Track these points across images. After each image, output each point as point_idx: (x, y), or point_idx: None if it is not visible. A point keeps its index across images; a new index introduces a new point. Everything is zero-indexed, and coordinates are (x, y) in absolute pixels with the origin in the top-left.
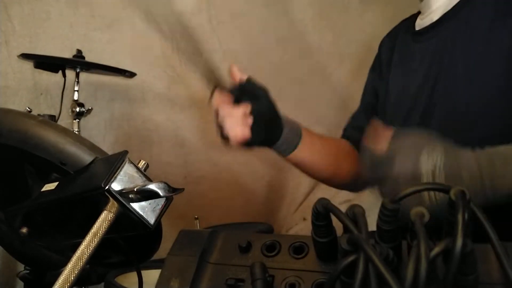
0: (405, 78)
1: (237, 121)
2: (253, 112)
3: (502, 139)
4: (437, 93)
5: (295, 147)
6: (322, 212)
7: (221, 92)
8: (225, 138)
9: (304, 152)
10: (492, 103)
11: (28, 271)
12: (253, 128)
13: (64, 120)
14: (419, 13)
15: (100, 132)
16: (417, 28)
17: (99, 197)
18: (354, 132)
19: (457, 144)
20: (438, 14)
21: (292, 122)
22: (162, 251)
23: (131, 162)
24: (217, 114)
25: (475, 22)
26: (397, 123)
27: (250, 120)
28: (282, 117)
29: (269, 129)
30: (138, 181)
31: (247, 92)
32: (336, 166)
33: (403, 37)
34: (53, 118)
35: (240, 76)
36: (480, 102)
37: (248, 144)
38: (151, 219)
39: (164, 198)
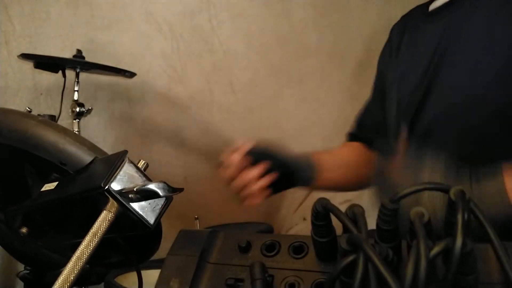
0: (412, 57)
1: (256, 184)
2: (270, 170)
3: (498, 130)
4: (437, 80)
5: (311, 181)
6: (322, 212)
7: (235, 157)
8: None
9: (322, 181)
10: (491, 93)
11: (28, 271)
12: (273, 183)
13: (64, 120)
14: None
15: (100, 132)
16: (430, 9)
17: (98, 197)
18: (367, 132)
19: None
20: None
21: (305, 157)
22: (162, 251)
23: (131, 162)
24: (232, 178)
25: (484, 5)
26: (400, 107)
27: (268, 179)
28: (294, 163)
29: (287, 179)
30: (138, 181)
31: (261, 154)
32: (360, 176)
33: (415, 20)
34: (53, 118)
35: (246, 145)
36: (479, 93)
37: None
38: (151, 219)
39: (164, 198)
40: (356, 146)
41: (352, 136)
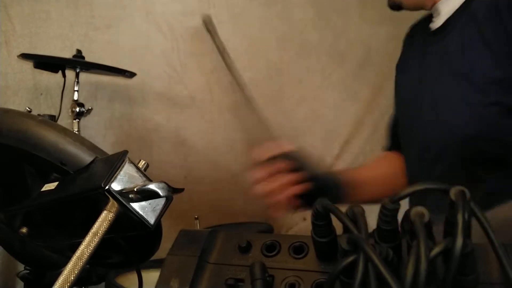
0: (413, 76)
1: (287, 191)
2: (305, 181)
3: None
4: (423, 110)
5: (339, 199)
6: (322, 212)
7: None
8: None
9: (353, 196)
10: (462, 132)
11: (28, 271)
12: (304, 196)
13: (64, 120)
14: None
15: (100, 132)
16: (431, 29)
17: (99, 197)
18: (396, 140)
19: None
20: (441, 21)
21: (333, 176)
22: (162, 251)
23: (131, 162)
24: (261, 179)
25: (461, 33)
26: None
27: (301, 188)
28: (326, 176)
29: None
30: (138, 181)
31: (299, 161)
32: (398, 186)
33: (420, 37)
34: (53, 118)
35: (286, 146)
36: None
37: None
38: (151, 219)
39: (164, 198)
40: (392, 156)
41: (388, 146)
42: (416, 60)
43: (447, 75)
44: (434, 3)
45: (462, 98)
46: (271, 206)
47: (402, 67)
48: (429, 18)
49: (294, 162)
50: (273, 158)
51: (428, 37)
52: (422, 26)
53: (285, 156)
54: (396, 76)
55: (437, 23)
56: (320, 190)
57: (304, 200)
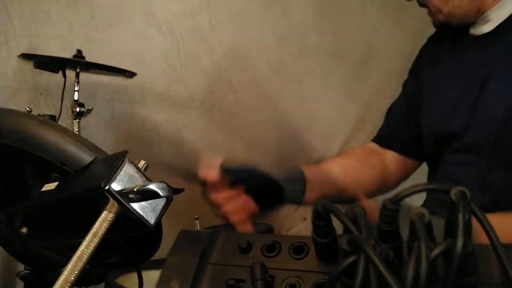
0: (454, 77)
1: (237, 206)
2: (248, 190)
3: None
4: (480, 102)
5: (302, 194)
6: (322, 213)
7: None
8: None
9: (315, 191)
10: None
11: (28, 271)
12: (256, 202)
13: (64, 120)
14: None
15: (100, 132)
16: (475, 34)
17: (99, 197)
18: (392, 133)
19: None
20: (495, 24)
21: (292, 172)
22: (162, 251)
23: (131, 162)
24: (214, 202)
25: None
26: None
27: (252, 206)
28: (277, 178)
29: (270, 196)
30: (138, 181)
31: (237, 173)
32: (365, 182)
33: (453, 41)
34: (53, 118)
35: (216, 162)
36: None
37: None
38: (151, 219)
39: (165, 198)
40: (368, 150)
41: (376, 138)
42: (455, 66)
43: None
44: (483, 12)
45: None
46: (236, 225)
47: (428, 74)
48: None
49: (232, 175)
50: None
51: (472, 41)
52: (450, 34)
53: (226, 170)
54: (419, 81)
55: (485, 28)
56: (274, 191)
57: (262, 206)
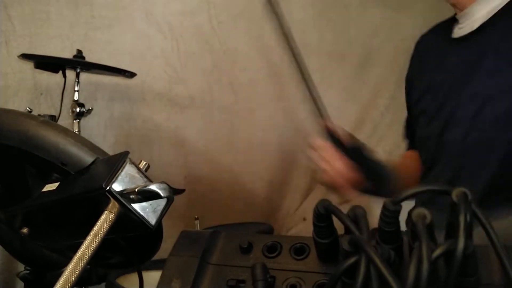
0: (437, 77)
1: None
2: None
3: None
4: (463, 98)
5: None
6: (323, 213)
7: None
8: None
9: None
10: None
11: (28, 271)
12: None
13: (64, 120)
14: (449, 20)
15: (100, 132)
16: (455, 36)
17: (100, 198)
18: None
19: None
20: (478, 23)
21: (390, 167)
22: (163, 252)
23: (132, 163)
24: (321, 159)
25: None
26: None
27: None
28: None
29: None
30: (139, 181)
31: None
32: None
33: (439, 41)
34: (53, 118)
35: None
36: (506, 118)
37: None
38: (152, 219)
39: (165, 199)
40: (411, 155)
41: (409, 146)
42: (438, 71)
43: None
44: (465, 6)
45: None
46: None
47: (419, 76)
48: (446, 26)
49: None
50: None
51: (455, 44)
52: (439, 34)
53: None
54: (413, 85)
55: (466, 29)
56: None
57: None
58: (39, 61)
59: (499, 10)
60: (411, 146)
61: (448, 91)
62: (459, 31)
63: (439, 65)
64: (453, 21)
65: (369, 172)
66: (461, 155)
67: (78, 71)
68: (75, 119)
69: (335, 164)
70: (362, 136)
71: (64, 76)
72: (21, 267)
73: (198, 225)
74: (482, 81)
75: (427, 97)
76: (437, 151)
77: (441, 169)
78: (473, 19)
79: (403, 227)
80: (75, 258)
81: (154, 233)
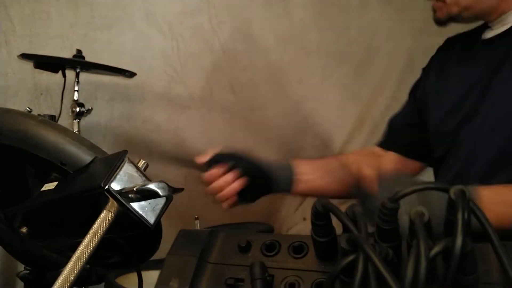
0: (463, 77)
1: (227, 189)
2: (241, 174)
3: None
4: (485, 100)
5: (290, 185)
6: (322, 212)
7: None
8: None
9: (304, 184)
10: None
11: (28, 271)
12: (246, 189)
13: (64, 120)
14: (479, 27)
15: (100, 132)
16: (486, 37)
17: (98, 197)
18: (393, 134)
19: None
20: (508, 25)
21: (282, 164)
22: (162, 251)
23: (131, 162)
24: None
25: None
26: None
27: (238, 184)
28: (268, 167)
29: (259, 184)
30: (137, 180)
31: (233, 159)
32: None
33: (464, 45)
34: (53, 118)
35: (211, 153)
36: None
37: (243, 201)
38: (151, 219)
39: (164, 198)
40: (370, 152)
41: (381, 142)
42: (462, 70)
43: None
44: (501, 15)
45: None
46: (220, 202)
47: (436, 80)
48: (477, 30)
49: (229, 162)
50: (212, 162)
51: (482, 45)
52: (467, 37)
53: (221, 157)
54: (429, 81)
55: (496, 31)
56: (265, 180)
57: (251, 192)
58: (39, 61)
59: None
60: (386, 144)
61: (473, 86)
62: (490, 32)
63: (466, 62)
64: (479, 30)
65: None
66: (475, 145)
67: (78, 71)
68: (75, 119)
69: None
70: (362, 136)
71: (64, 76)
72: (21, 267)
73: (198, 224)
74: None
75: (450, 91)
76: (453, 144)
77: (454, 161)
78: (504, 22)
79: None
80: (74, 258)
81: (153, 233)
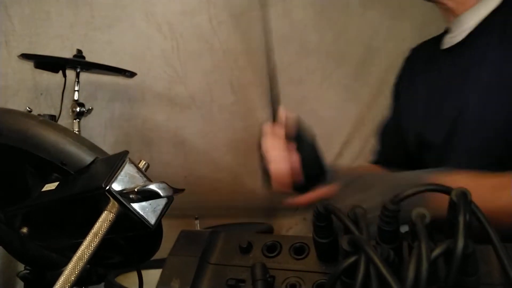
0: (426, 91)
1: (281, 156)
2: (298, 152)
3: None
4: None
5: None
6: (323, 213)
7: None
8: (266, 175)
9: None
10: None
11: (28, 271)
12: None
13: (64, 120)
14: (442, 34)
15: (100, 132)
16: (446, 46)
17: (99, 197)
18: (383, 152)
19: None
20: (466, 33)
21: (330, 167)
22: (162, 251)
23: (132, 162)
24: (264, 151)
25: (494, 46)
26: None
27: (295, 159)
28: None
29: (312, 171)
30: (138, 181)
31: (296, 134)
32: None
33: (427, 54)
34: (53, 118)
35: (288, 117)
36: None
37: (294, 187)
38: (151, 219)
39: (165, 199)
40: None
41: (375, 159)
42: (426, 81)
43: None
44: (460, 13)
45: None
46: (273, 176)
47: (408, 87)
48: (437, 39)
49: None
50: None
51: (444, 54)
52: (429, 47)
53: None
54: (399, 96)
55: (455, 39)
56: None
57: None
58: (39, 61)
59: (484, 19)
60: (380, 159)
61: (439, 102)
62: (450, 40)
63: (430, 77)
64: (443, 35)
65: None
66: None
67: (78, 71)
68: (75, 119)
69: (282, 166)
70: (362, 136)
71: (64, 76)
72: (21, 267)
73: (198, 225)
74: (467, 93)
75: (417, 107)
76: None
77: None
78: (463, 28)
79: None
80: (74, 258)
81: (153, 233)
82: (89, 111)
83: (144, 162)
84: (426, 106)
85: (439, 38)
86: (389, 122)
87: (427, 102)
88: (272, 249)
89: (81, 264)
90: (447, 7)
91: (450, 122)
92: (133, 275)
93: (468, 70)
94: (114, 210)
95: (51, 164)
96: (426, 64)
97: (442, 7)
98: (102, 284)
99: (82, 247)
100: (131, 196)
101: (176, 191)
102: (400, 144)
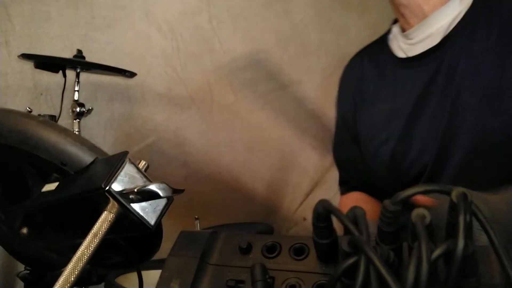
0: (393, 104)
1: None
2: None
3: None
4: (457, 122)
5: None
6: (323, 214)
7: None
8: None
9: None
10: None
11: (28, 271)
12: None
13: (64, 120)
14: (381, 40)
15: (100, 132)
16: (407, 54)
17: (99, 198)
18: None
19: (481, 170)
20: (439, 37)
21: None
22: (162, 251)
23: (132, 163)
24: None
25: (478, 47)
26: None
27: None
28: None
29: None
30: (138, 181)
31: None
32: None
33: (386, 66)
34: (53, 118)
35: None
36: (504, 128)
37: None
38: (151, 219)
39: (165, 199)
40: (365, 196)
41: (350, 187)
42: (382, 92)
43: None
44: (425, 15)
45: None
46: None
47: (362, 104)
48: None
49: None
50: None
51: (410, 61)
52: (373, 57)
53: None
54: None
55: (431, 41)
56: None
57: None
58: (39, 61)
59: (458, 23)
60: (357, 187)
61: (412, 112)
62: (413, 48)
63: (396, 90)
64: (383, 41)
65: None
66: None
67: (78, 71)
68: (75, 119)
69: None
70: None
71: (64, 76)
72: (21, 267)
73: (198, 225)
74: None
75: (391, 124)
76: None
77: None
78: (429, 32)
79: None
80: (74, 258)
81: (153, 233)
82: (89, 111)
83: (144, 162)
84: (407, 123)
85: (381, 48)
86: (346, 149)
87: (408, 119)
88: (272, 249)
89: (81, 264)
90: (412, 7)
91: (445, 140)
92: (133, 276)
93: (443, 77)
94: (114, 210)
95: (51, 164)
96: (385, 77)
97: (406, 9)
98: (102, 284)
99: (82, 248)
100: (131, 196)
101: (176, 191)
102: (363, 170)
